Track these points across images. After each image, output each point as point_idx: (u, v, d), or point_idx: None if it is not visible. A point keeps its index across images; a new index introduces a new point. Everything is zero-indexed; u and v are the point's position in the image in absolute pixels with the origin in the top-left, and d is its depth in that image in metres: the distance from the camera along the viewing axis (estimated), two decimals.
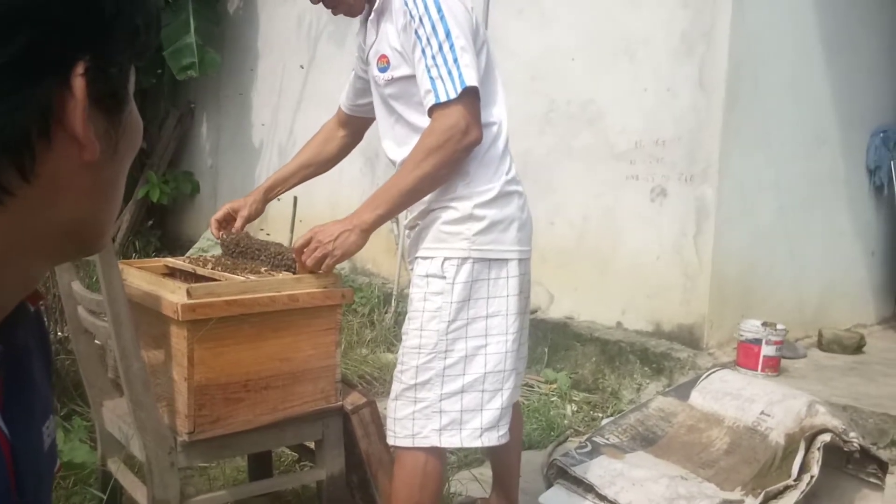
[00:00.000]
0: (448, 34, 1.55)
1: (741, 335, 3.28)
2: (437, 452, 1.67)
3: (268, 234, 4.63)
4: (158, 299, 1.59)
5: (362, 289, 4.38)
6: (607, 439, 2.30)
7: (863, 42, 4.20)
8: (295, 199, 3.03)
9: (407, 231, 1.83)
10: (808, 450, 2.00)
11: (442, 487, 1.76)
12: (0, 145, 0.44)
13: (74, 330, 1.87)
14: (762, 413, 2.23)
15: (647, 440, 2.30)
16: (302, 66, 5.28)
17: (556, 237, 3.74)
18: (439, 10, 1.56)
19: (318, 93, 5.22)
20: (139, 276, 1.74)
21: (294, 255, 1.72)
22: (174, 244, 5.99)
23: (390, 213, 1.66)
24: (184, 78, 5.59)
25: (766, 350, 3.21)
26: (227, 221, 2.01)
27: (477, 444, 1.67)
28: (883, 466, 2.09)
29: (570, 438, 2.89)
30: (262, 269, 1.79)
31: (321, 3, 1.77)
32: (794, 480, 1.95)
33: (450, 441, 1.64)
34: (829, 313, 4.14)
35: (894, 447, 2.75)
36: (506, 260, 1.68)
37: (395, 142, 1.73)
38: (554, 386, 3.39)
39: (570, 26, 3.77)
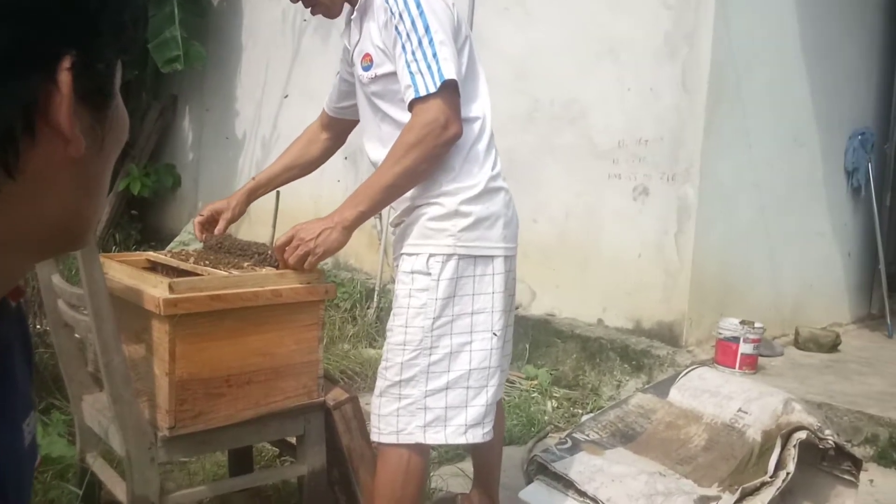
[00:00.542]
0: (427, 29, 1.56)
1: (720, 333, 3.32)
2: (421, 449, 1.68)
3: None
4: (140, 293, 1.59)
5: (344, 284, 4.37)
6: (587, 436, 2.32)
7: (842, 48, 4.26)
8: (278, 193, 3.01)
9: (392, 228, 1.83)
10: (784, 447, 2.03)
11: (424, 484, 1.77)
12: None
13: (54, 323, 1.85)
14: (739, 410, 2.25)
15: (626, 437, 2.33)
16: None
17: (539, 234, 3.75)
18: (419, 5, 1.57)
19: (302, 87, 5.20)
20: (120, 270, 1.73)
21: (276, 254, 1.71)
22: (155, 237, 5.94)
23: (372, 210, 1.65)
24: (168, 71, 5.54)
25: (744, 348, 3.25)
26: (210, 223, 2.00)
27: (461, 440, 1.67)
28: (857, 463, 2.12)
29: (550, 434, 2.91)
30: (245, 265, 1.78)
31: (301, 2, 1.77)
32: (771, 477, 1.98)
33: (434, 437, 1.65)
34: (806, 312, 4.20)
35: (868, 444, 2.80)
36: (491, 257, 1.68)
37: (380, 142, 1.73)
38: (535, 382, 3.41)
39: (555, 26, 3.78)
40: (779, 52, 3.78)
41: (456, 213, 1.65)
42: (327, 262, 4.81)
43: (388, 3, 1.60)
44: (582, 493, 2.05)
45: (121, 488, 1.69)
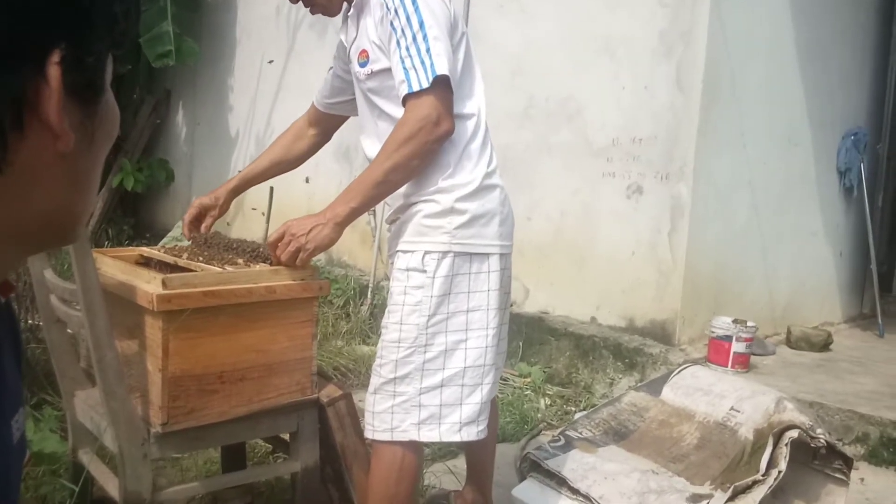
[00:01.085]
0: (422, 24, 1.55)
1: (712, 332, 3.33)
2: (415, 447, 1.67)
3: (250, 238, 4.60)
4: (133, 289, 1.58)
5: (338, 281, 4.36)
6: (580, 433, 2.32)
7: (835, 49, 4.27)
8: (271, 189, 3.01)
9: (388, 225, 1.83)
10: (775, 445, 2.04)
11: (417, 481, 1.77)
12: None
13: (46, 319, 1.84)
14: (732, 409, 2.26)
15: (619, 434, 2.33)
16: (271, 61, 5.25)
17: (533, 232, 3.76)
18: (414, 2, 1.57)
19: (296, 82, 5.19)
20: (114, 266, 1.72)
21: (269, 250, 1.71)
22: (148, 232, 5.93)
23: (364, 206, 1.64)
24: (160, 66, 5.51)
25: (737, 347, 3.27)
26: (198, 220, 1.99)
27: (456, 438, 1.66)
28: (848, 462, 2.13)
29: (543, 432, 2.92)
30: (239, 261, 1.78)
31: (300, 2, 1.77)
32: (762, 475, 1.98)
33: (428, 435, 1.64)
34: (799, 311, 4.21)
35: (859, 443, 2.82)
36: (487, 254, 1.68)
37: (377, 138, 1.72)
38: (528, 380, 3.42)
39: (551, 23, 3.78)
40: (773, 51, 3.79)
41: (451, 211, 1.65)
42: (321, 259, 4.81)
43: None
44: (575, 491, 2.06)
45: (113, 484, 1.68)
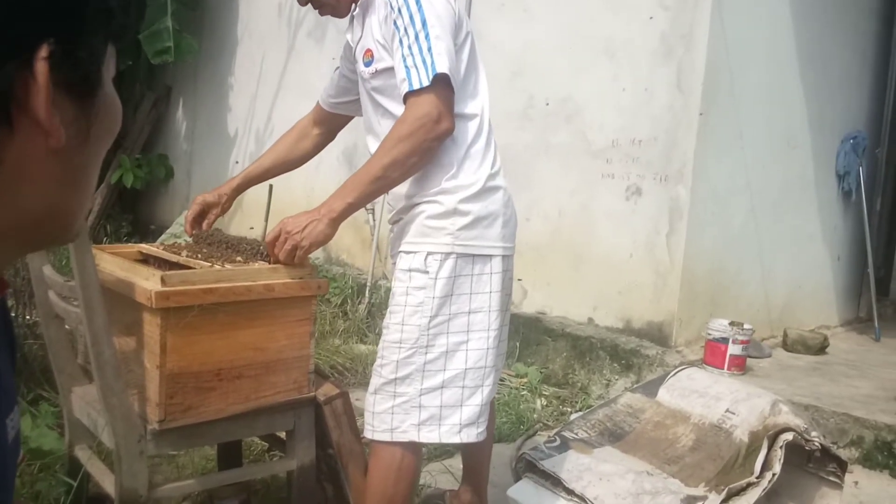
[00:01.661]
0: (424, 23, 1.56)
1: (709, 334, 3.34)
2: (413, 447, 1.68)
3: (251, 228, 4.61)
4: (132, 286, 1.58)
5: (336, 279, 4.37)
6: (576, 434, 2.33)
7: (835, 53, 4.28)
8: (270, 187, 3.00)
9: (390, 226, 1.83)
10: (770, 448, 2.04)
11: (416, 482, 1.77)
12: None
13: (45, 315, 1.84)
14: (727, 411, 2.27)
15: (614, 435, 2.34)
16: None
17: (532, 232, 3.76)
18: (417, 1, 1.57)
19: (296, 81, 5.19)
20: (112, 262, 1.73)
21: (267, 249, 1.71)
22: (146, 229, 5.92)
23: (360, 202, 1.64)
24: (159, 62, 5.51)
25: (733, 349, 3.27)
26: (201, 217, 2.00)
27: (455, 440, 1.66)
28: (842, 465, 2.14)
29: (539, 432, 2.93)
30: (238, 259, 1.78)
31: (309, 4, 1.77)
32: (757, 478, 1.99)
33: (428, 436, 1.64)
34: (795, 314, 4.22)
35: (854, 447, 2.82)
36: (489, 256, 1.68)
37: (381, 137, 1.73)
38: (524, 380, 3.42)
39: (552, 24, 3.79)
40: (773, 55, 3.80)
41: (454, 212, 1.65)
42: (319, 257, 4.81)
43: None
44: (570, 492, 2.06)
45: (109, 481, 1.68)
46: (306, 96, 5.14)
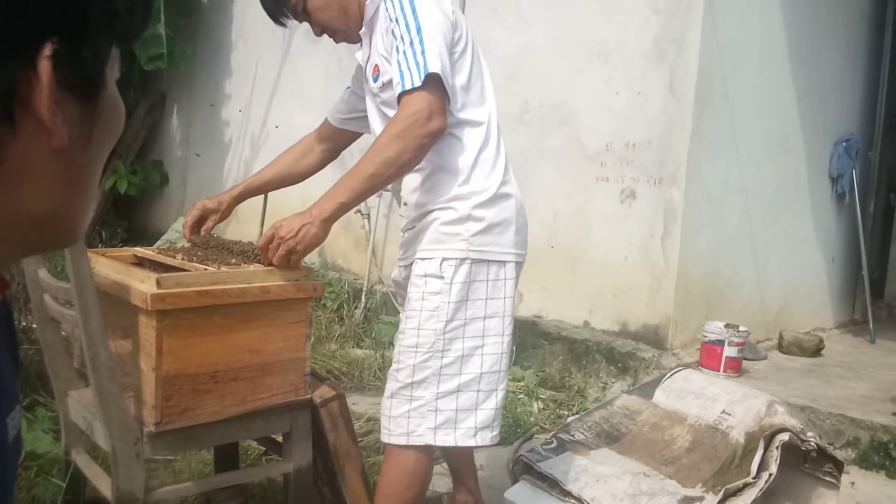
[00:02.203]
0: (419, 30, 1.58)
1: (704, 336, 3.35)
2: (427, 452, 1.69)
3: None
4: (127, 288, 1.58)
5: (332, 284, 4.36)
6: (573, 436, 2.33)
7: (827, 56, 4.31)
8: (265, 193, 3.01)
9: (402, 233, 1.84)
10: (766, 448, 2.05)
11: (427, 487, 1.78)
12: None
13: (40, 319, 1.84)
14: (723, 412, 2.27)
15: (611, 437, 2.34)
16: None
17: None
18: (414, 11, 1.60)
19: (290, 87, 5.20)
20: (108, 265, 1.73)
21: (261, 253, 1.72)
22: (142, 235, 5.91)
23: (353, 201, 1.65)
24: (152, 69, 5.52)
25: (729, 351, 3.28)
26: (200, 223, 2.00)
27: (471, 443, 1.68)
28: (838, 466, 2.14)
29: (536, 435, 2.93)
30: (233, 261, 1.78)
31: (324, 35, 1.81)
32: (753, 478, 1.99)
33: (444, 440, 1.66)
34: (790, 316, 4.24)
35: (850, 447, 2.83)
36: (503, 262, 1.70)
37: None
38: (521, 384, 3.42)
39: (545, 28, 3.80)
40: (766, 58, 3.82)
41: (469, 218, 1.67)
42: (315, 262, 4.81)
43: (388, 10, 1.64)
44: (567, 493, 2.06)
45: (106, 484, 1.68)
46: (301, 102, 5.16)
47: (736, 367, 3.31)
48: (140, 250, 1.96)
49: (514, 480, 2.22)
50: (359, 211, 4.40)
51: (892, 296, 5.28)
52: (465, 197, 1.67)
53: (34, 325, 2.19)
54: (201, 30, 5.94)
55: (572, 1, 3.72)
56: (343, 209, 1.64)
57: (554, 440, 2.30)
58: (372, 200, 4.46)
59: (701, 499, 2.01)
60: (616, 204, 3.57)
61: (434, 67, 1.55)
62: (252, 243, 1.91)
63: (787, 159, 4.12)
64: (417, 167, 1.68)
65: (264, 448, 2.28)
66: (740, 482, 2.00)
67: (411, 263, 1.76)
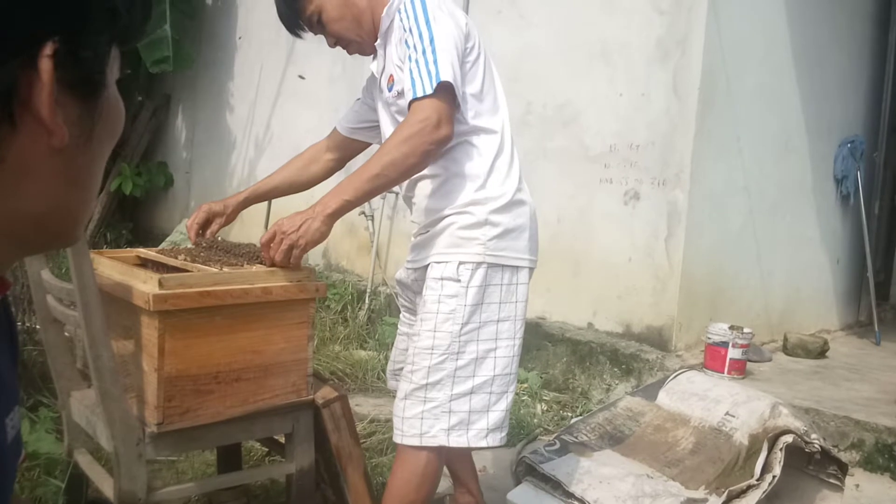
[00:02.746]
0: (432, 39, 1.61)
1: (709, 338, 3.34)
2: (438, 454, 1.70)
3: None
4: (130, 289, 1.58)
5: (336, 286, 4.37)
6: (576, 438, 2.33)
7: (832, 57, 4.30)
8: None
9: (413, 237, 1.85)
10: (770, 450, 2.04)
11: (436, 489, 1.78)
12: None
13: (43, 319, 1.84)
14: (727, 414, 2.27)
15: (614, 439, 2.33)
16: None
17: None
18: (427, 21, 1.63)
19: (294, 89, 5.20)
20: (110, 266, 1.73)
21: (262, 251, 1.72)
22: (146, 237, 5.93)
23: (357, 200, 1.65)
24: (157, 71, 5.54)
25: (733, 353, 3.27)
26: (206, 225, 2.01)
27: (483, 444, 1.69)
28: (843, 468, 2.14)
29: (539, 437, 2.92)
30: (235, 262, 1.78)
31: (338, 46, 1.82)
32: (757, 480, 1.99)
33: (457, 441, 1.67)
34: (795, 318, 4.22)
35: (854, 449, 2.82)
36: (517, 267, 1.72)
37: None
38: (525, 385, 3.42)
39: (548, 29, 3.80)
40: (769, 58, 3.81)
41: (486, 223, 1.69)
42: (318, 264, 4.81)
43: (402, 20, 1.67)
44: (570, 495, 2.06)
45: (108, 484, 1.68)
46: (305, 104, 5.17)
47: (740, 369, 3.30)
48: (143, 251, 1.97)
49: (518, 482, 2.21)
50: (363, 213, 4.40)
51: None
52: (482, 202, 1.69)
53: (37, 326, 2.20)
54: (206, 32, 5.96)
55: (575, 2, 3.72)
56: (346, 207, 1.64)
57: (557, 442, 2.30)
58: (376, 202, 4.46)
59: (704, 501, 2.01)
60: (619, 205, 3.57)
61: (446, 76, 1.58)
62: (255, 245, 1.91)
63: (791, 160, 4.11)
64: (433, 173, 1.71)
65: (267, 448, 2.28)
66: (744, 484, 1.99)
67: (421, 267, 1.77)
